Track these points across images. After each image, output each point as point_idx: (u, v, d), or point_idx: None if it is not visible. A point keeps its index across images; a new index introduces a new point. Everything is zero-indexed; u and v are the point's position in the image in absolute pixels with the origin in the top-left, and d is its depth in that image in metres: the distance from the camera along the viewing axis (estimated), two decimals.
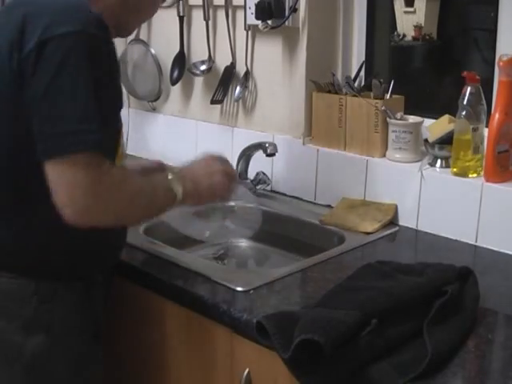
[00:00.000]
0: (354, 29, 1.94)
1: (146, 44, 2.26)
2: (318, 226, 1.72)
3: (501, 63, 1.53)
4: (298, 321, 1.07)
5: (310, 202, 1.88)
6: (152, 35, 2.27)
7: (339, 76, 1.90)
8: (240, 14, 2.00)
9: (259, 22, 1.85)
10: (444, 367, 1.05)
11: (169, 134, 2.28)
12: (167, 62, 2.20)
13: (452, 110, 1.65)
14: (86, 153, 1.12)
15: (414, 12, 1.92)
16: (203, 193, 1.37)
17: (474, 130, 1.59)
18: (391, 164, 1.74)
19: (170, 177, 1.29)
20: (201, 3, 2.05)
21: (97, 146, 1.13)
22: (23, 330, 1.24)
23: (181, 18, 2.12)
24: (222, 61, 2.08)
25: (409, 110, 1.80)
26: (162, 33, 2.23)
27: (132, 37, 2.21)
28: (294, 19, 1.85)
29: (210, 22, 2.08)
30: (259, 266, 1.82)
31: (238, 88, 2.04)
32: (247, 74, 2.03)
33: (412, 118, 1.77)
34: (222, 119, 2.14)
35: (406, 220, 1.70)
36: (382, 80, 1.78)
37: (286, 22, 1.83)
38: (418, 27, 1.92)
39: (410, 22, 1.93)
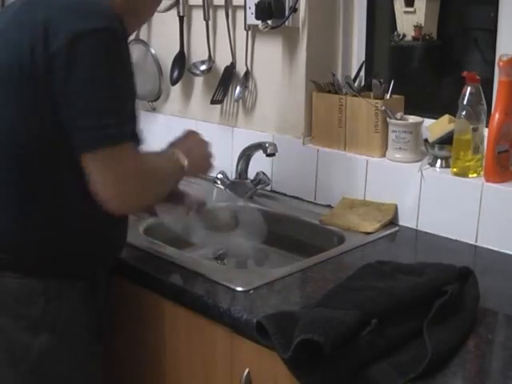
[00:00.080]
0: (354, 29, 1.94)
1: (146, 44, 2.26)
2: (318, 226, 1.72)
3: (501, 63, 1.53)
4: (298, 321, 1.07)
5: (310, 202, 1.88)
6: (152, 35, 2.27)
7: (339, 76, 1.90)
8: (240, 14, 2.00)
9: (259, 22, 1.85)
10: (444, 367, 1.05)
11: (169, 134, 2.26)
12: (167, 62, 2.20)
13: (452, 110, 1.65)
14: (126, 143, 1.19)
15: (414, 12, 1.92)
16: (199, 163, 1.45)
17: (474, 130, 1.59)
18: (391, 164, 1.74)
19: (175, 152, 1.36)
20: (201, 3, 2.05)
21: (133, 136, 1.22)
22: (30, 329, 1.25)
23: (181, 18, 2.12)
24: (222, 61, 2.08)
25: (409, 110, 1.80)
26: (162, 33, 2.23)
27: (132, 37, 2.21)
28: (294, 19, 1.85)
29: (210, 22, 2.08)
30: (259, 266, 1.82)
31: (237, 88, 2.04)
32: (247, 73, 2.03)
33: (412, 118, 1.77)
34: (222, 119, 2.14)
35: (406, 220, 1.70)
36: (381, 80, 1.78)
37: (286, 22, 1.83)
38: (418, 27, 1.92)
39: (410, 21, 1.93)
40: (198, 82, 2.19)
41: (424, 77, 2.03)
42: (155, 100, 2.29)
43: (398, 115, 1.75)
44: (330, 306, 1.12)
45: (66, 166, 1.22)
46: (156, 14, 1.51)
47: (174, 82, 2.19)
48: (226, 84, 2.07)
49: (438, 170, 1.68)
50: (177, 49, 2.16)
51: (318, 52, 1.89)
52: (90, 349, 1.36)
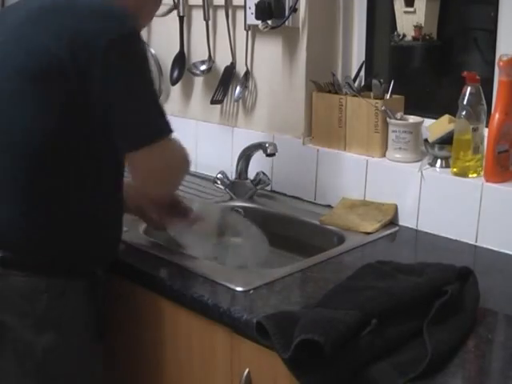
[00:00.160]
0: (354, 29, 1.94)
1: (145, 44, 2.26)
2: (318, 226, 1.72)
3: (501, 63, 1.53)
4: (298, 321, 1.07)
5: (310, 202, 1.88)
6: (152, 35, 2.27)
7: (339, 76, 1.90)
8: (240, 14, 2.00)
9: (259, 22, 1.85)
10: (444, 367, 1.05)
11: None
12: (167, 62, 2.20)
13: (452, 110, 1.65)
14: (171, 135, 1.29)
15: (414, 12, 1.92)
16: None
17: (474, 130, 1.59)
18: (391, 164, 1.74)
19: None
20: (201, 3, 2.05)
21: (172, 128, 1.30)
22: (34, 327, 1.25)
23: (181, 18, 2.12)
24: (222, 61, 2.08)
25: (409, 110, 1.80)
26: (162, 33, 2.23)
27: None
28: (294, 19, 1.85)
29: (210, 22, 2.08)
30: (259, 266, 1.81)
31: (238, 88, 2.04)
32: (247, 73, 2.03)
33: (412, 118, 1.77)
34: (222, 119, 2.14)
35: (406, 220, 1.70)
36: (381, 80, 1.78)
37: (286, 22, 1.83)
38: (418, 27, 1.92)
39: (410, 21, 1.93)
40: (198, 82, 2.19)
41: (424, 77, 2.03)
42: None
43: (398, 115, 1.75)
44: (330, 306, 1.12)
45: (75, 168, 1.26)
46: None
47: (174, 82, 2.19)
48: (226, 84, 2.07)
49: (437, 170, 1.68)
50: (177, 49, 2.16)
51: (318, 52, 1.89)
52: (91, 347, 1.37)
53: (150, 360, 1.47)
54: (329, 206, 1.82)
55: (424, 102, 1.92)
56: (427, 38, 1.93)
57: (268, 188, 1.96)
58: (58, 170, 1.25)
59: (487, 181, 1.57)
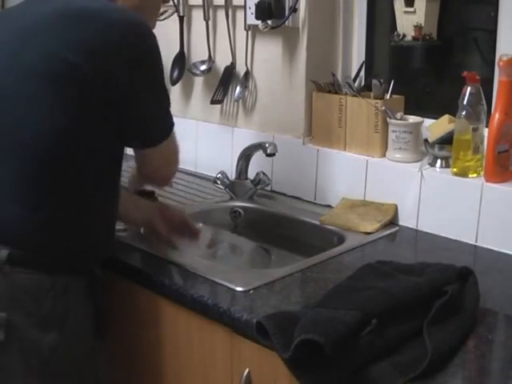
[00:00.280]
0: (354, 29, 1.94)
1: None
2: (318, 226, 1.72)
3: (501, 63, 1.53)
4: (298, 321, 1.07)
5: (310, 202, 1.88)
6: None
7: (339, 76, 1.90)
8: (240, 14, 2.00)
9: (259, 22, 1.85)
10: (444, 367, 1.05)
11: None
12: (167, 62, 2.19)
13: (452, 110, 1.65)
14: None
15: (414, 12, 1.92)
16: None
17: (474, 130, 1.59)
18: (391, 164, 1.74)
19: None
20: (201, 3, 2.05)
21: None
22: (40, 325, 1.26)
23: (181, 18, 2.12)
24: (222, 61, 2.08)
25: (409, 110, 1.80)
26: (162, 33, 2.22)
27: None
28: (294, 19, 1.85)
29: (210, 22, 2.08)
30: (259, 266, 1.82)
31: (238, 88, 2.04)
32: (247, 74, 2.03)
33: (412, 118, 1.77)
34: (222, 119, 2.14)
35: (405, 220, 1.70)
36: (381, 80, 1.78)
37: (286, 22, 1.83)
38: (418, 27, 1.92)
39: (410, 21, 1.93)
40: (198, 82, 2.19)
41: (424, 77, 2.03)
42: None
43: (398, 115, 1.75)
44: (330, 306, 1.12)
45: (79, 169, 1.29)
46: None
47: (174, 82, 2.18)
48: (226, 84, 2.07)
49: (437, 169, 1.68)
50: (177, 49, 2.16)
51: (318, 52, 1.89)
52: (92, 344, 1.39)
53: (149, 360, 1.47)
54: (329, 206, 1.82)
55: (424, 102, 1.92)
56: (427, 38, 1.93)
57: (268, 188, 1.96)
58: (64, 171, 1.27)
59: (487, 181, 1.57)
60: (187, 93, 2.23)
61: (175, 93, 2.25)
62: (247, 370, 1.25)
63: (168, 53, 2.18)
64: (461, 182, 1.60)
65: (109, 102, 1.27)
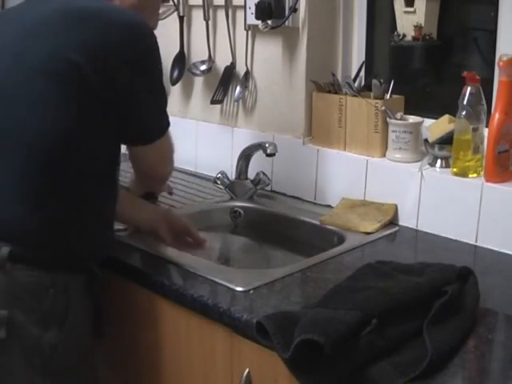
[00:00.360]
0: (354, 29, 1.94)
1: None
2: (318, 226, 1.72)
3: (501, 63, 1.53)
4: (298, 321, 1.07)
5: (310, 202, 1.88)
6: None
7: (339, 76, 1.90)
8: (240, 14, 2.00)
9: (259, 22, 1.85)
10: (444, 367, 1.05)
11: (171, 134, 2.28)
12: (167, 62, 2.19)
13: (452, 110, 1.65)
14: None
15: (414, 12, 1.92)
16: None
17: (474, 130, 1.59)
18: (391, 164, 1.74)
19: None
20: (201, 3, 2.05)
21: None
22: (41, 322, 1.26)
23: (181, 18, 2.12)
24: (222, 61, 2.08)
25: (409, 110, 1.80)
26: (162, 33, 2.22)
27: None
28: (294, 19, 1.85)
29: (210, 22, 2.08)
30: (259, 266, 1.82)
31: (238, 88, 2.04)
32: (247, 73, 2.03)
33: (412, 118, 1.77)
34: (222, 119, 2.14)
35: (405, 220, 1.70)
36: (381, 80, 1.78)
37: (286, 22, 1.83)
38: (418, 27, 1.92)
39: (410, 21, 1.93)
40: (198, 82, 2.19)
41: (424, 77, 2.03)
42: None
43: (398, 115, 1.75)
44: (330, 306, 1.12)
45: (80, 168, 1.30)
46: None
47: (174, 82, 2.18)
48: (226, 84, 2.07)
49: (438, 169, 1.68)
50: (177, 49, 2.16)
51: (318, 52, 1.89)
52: (91, 342, 1.40)
53: (149, 360, 1.47)
54: (329, 206, 1.82)
55: (424, 102, 1.92)
56: (427, 38, 1.93)
57: (268, 188, 1.96)
58: (65, 170, 1.28)
59: (487, 181, 1.57)
60: (187, 93, 2.23)
61: (175, 93, 2.25)
62: (247, 370, 1.25)
63: (168, 53, 2.18)
64: (461, 181, 1.60)
65: (109, 101, 1.28)
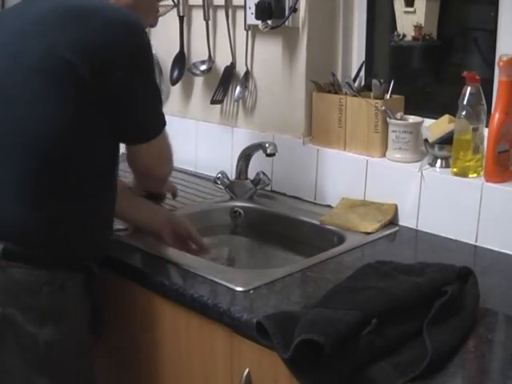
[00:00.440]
0: (354, 29, 1.94)
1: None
2: (318, 226, 1.72)
3: (501, 63, 1.53)
4: (298, 321, 1.07)
5: (310, 202, 1.88)
6: (152, 35, 2.27)
7: (339, 76, 1.90)
8: (240, 14, 2.00)
9: (259, 22, 1.85)
10: (444, 367, 1.05)
11: (169, 134, 2.28)
12: (167, 61, 2.20)
13: (452, 110, 1.65)
14: None
15: (414, 12, 1.92)
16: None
17: (474, 130, 1.59)
18: (391, 164, 1.74)
19: None
20: (201, 3, 2.05)
21: None
22: (36, 320, 1.26)
23: (181, 18, 2.12)
24: (222, 61, 2.08)
25: (409, 110, 1.80)
26: (162, 33, 2.23)
27: None
28: (294, 19, 1.85)
29: (210, 22, 2.08)
30: (259, 266, 1.82)
31: (238, 88, 2.04)
32: (247, 73, 2.03)
33: (412, 118, 1.77)
34: (222, 119, 2.14)
35: (405, 220, 1.70)
36: (381, 80, 1.78)
37: (286, 22, 1.83)
38: (418, 27, 1.92)
39: (410, 21, 1.93)
40: (198, 82, 2.19)
41: (424, 77, 2.03)
42: None
43: (398, 115, 1.75)
44: (330, 306, 1.12)
45: (79, 168, 1.30)
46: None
47: (174, 82, 2.19)
48: (226, 84, 2.07)
49: (437, 169, 1.68)
50: (177, 49, 2.16)
51: (318, 52, 1.89)
52: (89, 340, 1.40)
53: (149, 360, 1.47)
54: (329, 206, 1.82)
55: (424, 102, 1.92)
56: (427, 38, 1.93)
57: (268, 188, 1.96)
58: (64, 170, 1.28)
59: (487, 181, 1.57)
60: (187, 93, 2.23)
61: (175, 93, 2.25)
62: (247, 370, 1.25)
63: (168, 53, 2.18)
64: (461, 181, 1.60)
65: (106, 100, 1.28)
